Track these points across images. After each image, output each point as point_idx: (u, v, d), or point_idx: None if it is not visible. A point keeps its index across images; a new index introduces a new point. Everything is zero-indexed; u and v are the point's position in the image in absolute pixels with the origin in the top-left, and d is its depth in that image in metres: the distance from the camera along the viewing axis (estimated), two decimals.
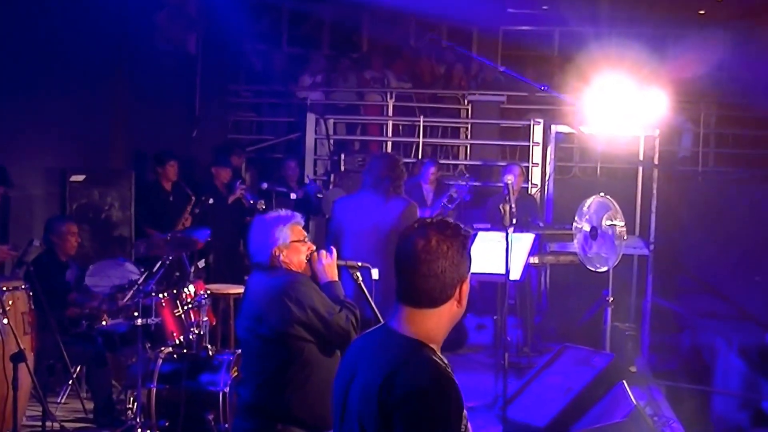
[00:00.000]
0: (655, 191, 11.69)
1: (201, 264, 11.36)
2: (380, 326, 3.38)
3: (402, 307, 3.26)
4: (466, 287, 3.23)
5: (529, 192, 13.84)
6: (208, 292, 9.25)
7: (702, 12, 18.95)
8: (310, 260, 5.43)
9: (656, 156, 12.08)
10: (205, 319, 8.91)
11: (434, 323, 3.23)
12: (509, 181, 8.73)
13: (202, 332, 8.83)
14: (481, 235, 9.39)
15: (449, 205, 11.73)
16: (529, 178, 14.44)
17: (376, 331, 3.37)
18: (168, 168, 11.78)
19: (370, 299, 5.22)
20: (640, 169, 12.33)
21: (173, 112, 14.57)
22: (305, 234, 5.54)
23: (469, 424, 3.20)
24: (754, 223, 13.88)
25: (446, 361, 3.23)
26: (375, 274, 5.58)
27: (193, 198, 11.46)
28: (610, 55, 13.32)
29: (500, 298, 9.61)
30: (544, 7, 19.20)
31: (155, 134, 13.40)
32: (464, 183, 12.58)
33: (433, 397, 3.05)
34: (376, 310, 5.14)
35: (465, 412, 3.17)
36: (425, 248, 3.19)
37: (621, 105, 11.24)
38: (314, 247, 5.49)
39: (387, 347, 3.23)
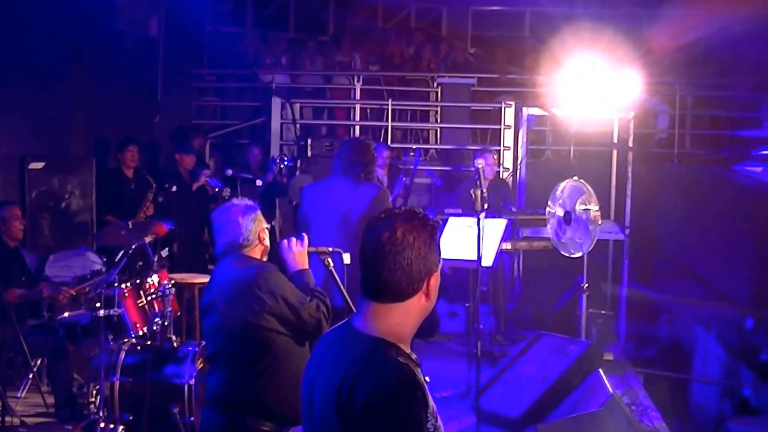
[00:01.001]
0: (630, 174, 11.74)
1: (165, 253, 11.33)
2: (344, 323, 3.34)
3: (367, 303, 3.23)
4: (434, 280, 3.20)
5: (501, 176, 13.85)
6: (173, 281, 9.21)
7: None
8: (280, 248, 5.46)
9: (631, 138, 12.12)
10: (170, 309, 8.87)
11: (401, 318, 3.19)
12: (480, 166, 8.72)
13: (166, 323, 8.79)
14: (453, 221, 9.40)
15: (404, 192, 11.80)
16: (501, 162, 14.45)
17: (341, 329, 3.34)
18: (127, 153, 11.74)
19: (341, 286, 5.25)
20: (615, 152, 12.36)
21: (135, 97, 14.50)
22: (266, 224, 5.63)
23: (439, 422, 3.19)
24: (731, 206, 13.94)
25: (414, 358, 3.22)
26: (347, 258, 5.60)
27: (154, 185, 11.41)
28: (583, 35, 13.34)
29: (472, 285, 9.61)
30: None
31: (116, 120, 13.34)
32: (412, 155, 12.55)
33: (397, 401, 3.03)
34: (347, 296, 5.17)
35: (434, 409, 3.16)
36: (390, 239, 3.15)
37: (594, 87, 11.28)
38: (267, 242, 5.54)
39: (349, 348, 3.20)
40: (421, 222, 3.20)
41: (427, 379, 3.23)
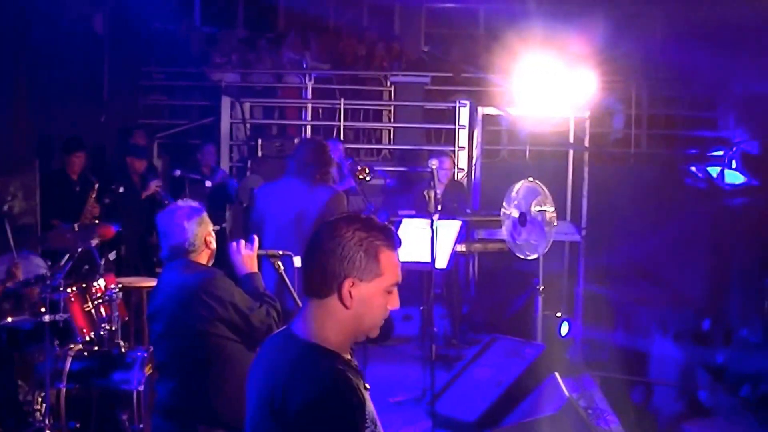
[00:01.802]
0: (586, 175, 11.80)
1: (112, 256, 11.26)
2: (285, 327, 3.40)
3: (304, 303, 3.33)
4: (356, 291, 3.21)
5: (456, 177, 13.89)
6: (120, 285, 9.15)
7: None
8: (229, 251, 5.46)
9: (587, 138, 12.19)
10: (117, 314, 8.81)
11: (328, 321, 3.24)
12: (434, 167, 8.76)
13: (113, 328, 8.75)
14: (406, 222, 9.43)
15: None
16: (456, 163, 14.51)
17: (280, 334, 3.41)
18: (74, 159, 11.66)
19: (292, 289, 5.25)
20: (571, 151, 12.43)
21: (80, 96, 14.39)
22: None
23: (379, 428, 3.22)
24: (688, 206, 14.08)
25: (355, 365, 3.28)
26: (297, 261, 5.60)
27: (97, 184, 11.31)
28: (538, 34, 13.44)
29: (426, 288, 9.65)
30: None
31: (61, 119, 13.23)
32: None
33: (330, 406, 3.07)
34: (298, 300, 5.16)
35: (373, 416, 3.21)
36: (321, 231, 3.26)
37: (550, 86, 11.35)
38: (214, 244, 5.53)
39: (284, 353, 3.26)
40: (362, 228, 3.25)
41: (367, 386, 3.27)
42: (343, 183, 11.89)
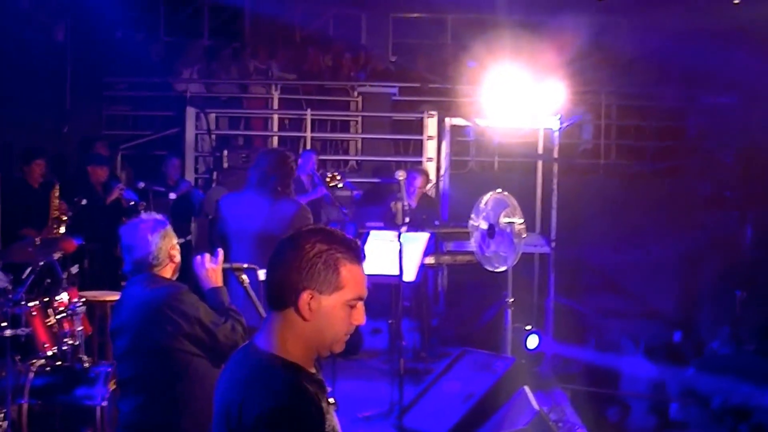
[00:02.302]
0: (555, 186, 11.83)
1: (74, 270, 11.18)
2: (248, 342, 3.40)
3: (267, 314, 3.33)
4: (316, 303, 3.21)
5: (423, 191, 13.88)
6: (83, 299, 9.09)
7: None
8: (194, 264, 5.43)
9: (556, 149, 12.22)
10: (80, 328, 8.75)
11: (289, 334, 3.24)
12: (401, 178, 8.76)
13: (76, 343, 8.68)
14: (374, 235, 9.42)
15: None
16: (428, 179, 14.50)
17: (244, 347, 3.41)
18: (34, 167, 11.57)
19: (257, 303, 5.23)
20: (540, 162, 12.46)
21: (41, 106, 14.29)
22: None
23: None
24: (657, 218, 14.15)
25: (319, 379, 3.27)
26: (262, 275, 5.58)
27: (57, 184, 11.20)
28: (506, 44, 13.47)
29: (395, 301, 9.65)
30: None
31: (22, 129, 13.15)
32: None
33: (287, 419, 3.07)
34: (263, 313, 5.14)
35: (334, 429, 3.22)
36: (283, 244, 3.28)
37: (519, 96, 11.37)
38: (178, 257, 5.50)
39: (244, 367, 3.27)
40: (323, 241, 3.25)
41: (332, 400, 3.26)
42: (316, 191, 11.88)
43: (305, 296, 3.19)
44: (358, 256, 3.30)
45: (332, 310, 3.23)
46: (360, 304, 3.29)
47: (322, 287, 3.20)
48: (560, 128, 11.85)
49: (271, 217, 7.65)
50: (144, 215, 5.63)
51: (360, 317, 3.29)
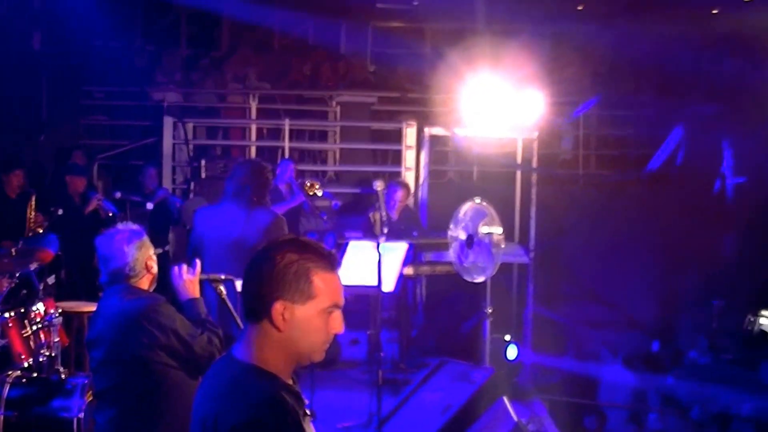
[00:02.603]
0: (534, 196, 11.86)
1: (51, 280, 11.16)
2: (226, 353, 3.41)
3: (245, 325, 3.34)
4: (289, 314, 3.23)
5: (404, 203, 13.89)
6: (60, 310, 9.07)
7: (580, 8, 19.32)
8: (171, 275, 5.43)
9: (535, 159, 12.26)
10: (57, 339, 8.73)
11: (265, 345, 3.25)
12: (379, 188, 8.78)
13: (53, 354, 8.66)
14: (353, 245, 9.43)
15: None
16: (409, 192, 14.49)
17: (222, 358, 3.44)
18: (12, 177, 11.58)
19: (234, 314, 5.24)
20: (519, 172, 12.49)
21: (17, 115, 14.27)
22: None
23: None
24: (636, 228, 14.19)
25: (296, 390, 3.29)
26: (239, 285, 5.59)
27: (34, 195, 11.19)
28: (485, 53, 13.50)
29: (374, 311, 9.66)
30: (415, 3, 19.37)
31: None
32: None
33: (261, 430, 3.08)
34: (240, 325, 5.16)
35: None
36: (256, 255, 3.30)
37: (498, 106, 11.41)
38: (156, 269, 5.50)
39: (223, 376, 3.28)
40: (295, 251, 3.27)
41: (308, 412, 3.28)
42: (294, 198, 11.87)
43: (278, 307, 3.21)
44: (332, 264, 3.31)
45: (307, 320, 3.24)
46: (337, 312, 3.31)
47: (295, 297, 3.22)
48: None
49: (246, 228, 7.68)
50: (120, 226, 5.63)
51: (338, 325, 3.30)
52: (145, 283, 5.42)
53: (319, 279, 3.25)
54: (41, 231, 10.65)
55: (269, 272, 3.22)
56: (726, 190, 14.97)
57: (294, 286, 3.22)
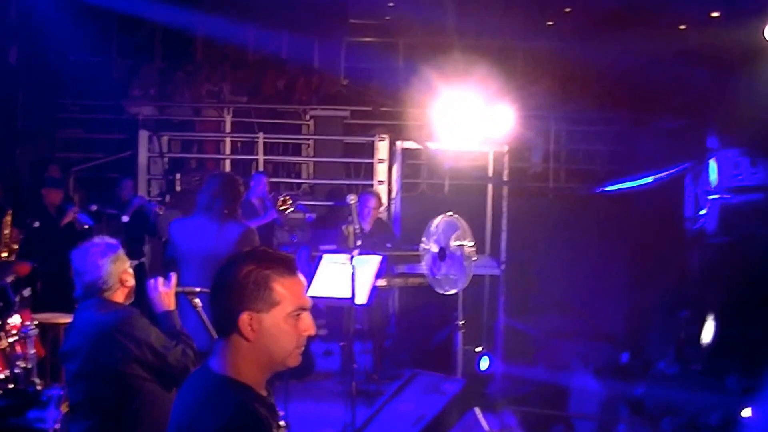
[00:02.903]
0: (505, 208, 11.90)
1: (27, 293, 11.11)
2: (202, 365, 3.42)
3: (217, 340, 3.36)
4: (257, 323, 3.24)
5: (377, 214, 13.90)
6: (36, 322, 9.05)
7: (551, 23, 19.40)
8: (147, 288, 5.42)
9: (506, 172, 12.30)
10: (33, 351, 8.71)
11: (238, 357, 3.27)
12: (352, 202, 8.79)
13: (29, 366, 8.63)
14: (327, 258, 9.44)
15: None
16: (381, 201, 14.50)
17: (199, 370, 3.44)
18: None
19: (209, 326, 5.23)
20: (490, 185, 12.52)
21: None
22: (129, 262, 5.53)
23: None
24: (605, 240, 14.23)
25: (270, 402, 3.31)
26: None
27: (10, 210, 11.14)
28: (457, 68, 13.53)
29: (347, 323, 9.67)
30: (388, 18, 19.41)
31: None
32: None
33: None
34: (216, 337, 5.15)
35: None
36: (219, 271, 3.33)
37: (469, 120, 11.44)
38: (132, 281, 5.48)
39: (197, 388, 3.30)
40: (256, 261, 3.30)
41: (282, 424, 3.29)
42: (266, 215, 11.88)
43: (245, 318, 3.23)
44: (290, 269, 3.33)
45: (275, 326, 3.26)
46: (305, 314, 3.33)
47: (259, 306, 3.24)
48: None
49: (218, 240, 7.69)
50: (96, 239, 5.61)
51: (308, 326, 3.33)
52: (119, 296, 5.40)
53: (279, 285, 3.27)
54: (16, 247, 10.60)
55: (231, 286, 3.25)
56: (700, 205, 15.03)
57: (256, 296, 3.24)
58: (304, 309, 3.32)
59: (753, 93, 12.07)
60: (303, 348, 3.35)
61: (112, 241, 5.55)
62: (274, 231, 12.44)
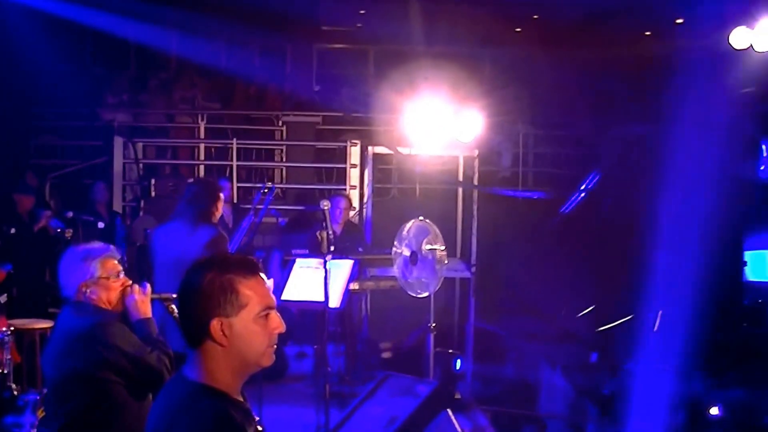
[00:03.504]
0: (475, 212, 11.90)
1: (3, 299, 11.04)
2: (177, 373, 3.38)
3: (188, 351, 3.31)
4: (228, 328, 3.21)
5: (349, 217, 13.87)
6: (12, 328, 9.00)
7: (518, 30, 19.42)
8: (122, 295, 5.35)
9: (476, 176, 12.30)
10: (9, 357, 8.66)
11: (213, 364, 3.23)
12: (326, 207, 8.75)
13: (5, 371, 8.58)
14: (300, 262, 9.40)
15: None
16: (351, 203, 14.47)
17: (173, 379, 3.40)
18: None
19: None
20: (460, 189, 12.52)
21: None
22: (120, 268, 5.41)
23: None
24: (573, 243, 14.26)
25: (246, 407, 3.27)
26: None
27: None
28: (427, 74, 13.52)
29: (320, 326, 9.62)
30: (359, 25, 19.39)
31: None
32: (266, 191, 12.43)
33: None
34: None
35: None
36: (183, 281, 3.28)
37: (439, 125, 11.44)
38: (129, 282, 5.39)
39: (173, 395, 3.26)
40: (222, 266, 3.26)
41: (260, 428, 3.25)
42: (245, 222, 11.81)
43: (215, 324, 3.19)
44: (253, 270, 3.30)
45: (246, 329, 3.22)
46: (273, 313, 3.30)
47: (227, 311, 3.20)
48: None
49: (188, 245, 7.67)
50: (85, 244, 5.54)
51: (277, 324, 3.29)
52: (100, 301, 5.31)
53: (244, 287, 3.24)
54: None
55: (197, 294, 3.21)
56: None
57: (223, 301, 3.20)
58: (271, 308, 3.29)
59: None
60: (275, 346, 3.32)
61: (98, 244, 5.47)
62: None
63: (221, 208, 8.27)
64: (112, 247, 5.47)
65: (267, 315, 3.27)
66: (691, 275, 11.72)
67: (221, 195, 8.27)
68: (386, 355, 11.67)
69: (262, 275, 3.33)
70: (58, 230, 11.53)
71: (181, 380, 3.27)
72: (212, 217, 8.02)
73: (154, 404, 3.41)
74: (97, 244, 5.46)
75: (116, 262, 5.40)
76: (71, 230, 11.38)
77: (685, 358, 11.00)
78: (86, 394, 5.10)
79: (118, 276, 5.35)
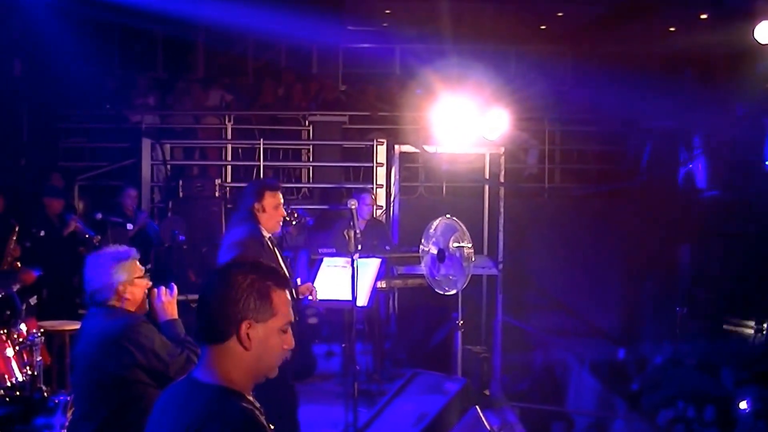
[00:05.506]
0: (502, 209, 11.85)
1: (33, 301, 11.06)
2: (184, 377, 3.38)
3: (203, 350, 3.31)
4: (254, 332, 3.22)
5: (374, 214, 13.83)
6: (42, 329, 9.02)
7: (543, 27, 19.38)
8: (149, 297, 5.35)
9: (502, 174, 12.24)
10: (39, 358, 8.67)
11: (230, 364, 3.24)
12: (353, 206, 8.72)
13: (35, 373, 8.59)
14: (327, 261, 9.38)
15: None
16: (375, 199, 14.46)
17: (181, 382, 3.39)
18: None
19: None
20: (487, 187, 12.48)
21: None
22: (142, 270, 5.43)
23: None
24: (600, 239, 14.21)
25: (258, 406, 3.28)
26: None
27: (17, 226, 11.11)
28: (453, 72, 13.50)
29: (348, 325, 9.60)
30: (384, 24, 19.38)
31: None
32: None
33: None
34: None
35: None
36: (213, 279, 3.29)
37: (465, 123, 11.40)
38: (150, 284, 5.40)
39: (191, 399, 3.24)
40: (253, 272, 3.27)
41: (272, 426, 3.25)
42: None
43: (244, 326, 3.21)
44: (284, 283, 3.33)
45: (268, 337, 3.25)
46: (289, 330, 3.33)
47: (258, 316, 3.23)
48: None
49: (222, 244, 7.61)
50: (111, 247, 5.55)
51: (290, 341, 3.33)
52: (129, 303, 5.33)
53: (276, 296, 3.27)
54: (18, 265, 10.55)
55: (233, 293, 3.22)
56: (695, 202, 15.01)
57: (258, 305, 3.22)
58: (290, 324, 3.33)
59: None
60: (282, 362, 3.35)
61: (124, 248, 5.47)
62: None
63: (271, 207, 7.79)
64: (132, 249, 5.48)
65: (285, 330, 3.30)
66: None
67: (267, 192, 7.68)
68: (414, 352, 11.62)
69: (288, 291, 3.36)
70: (87, 236, 11.57)
71: (193, 385, 3.27)
72: (255, 216, 7.71)
73: (157, 410, 3.39)
74: (122, 248, 5.47)
75: (138, 263, 5.42)
76: (99, 237, 11.41)
77: (712, 353, 10.96)
78: (119, 397, 5.11)
79: (141, 277, 5.38)
